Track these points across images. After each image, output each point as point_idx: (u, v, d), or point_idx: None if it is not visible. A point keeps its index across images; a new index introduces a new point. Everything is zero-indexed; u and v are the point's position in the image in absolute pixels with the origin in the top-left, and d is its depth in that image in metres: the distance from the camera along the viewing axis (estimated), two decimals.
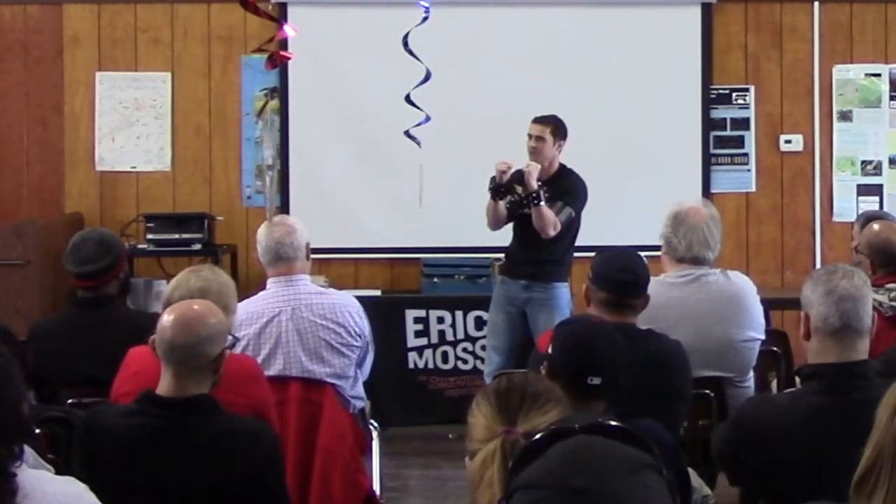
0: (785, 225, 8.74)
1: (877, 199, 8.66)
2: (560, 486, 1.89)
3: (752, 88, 8.70)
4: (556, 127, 7.11)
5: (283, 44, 5.23)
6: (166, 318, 3.57)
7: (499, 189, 7.04)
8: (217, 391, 3.61)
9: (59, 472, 3.03)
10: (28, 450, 2.69)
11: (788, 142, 8.72)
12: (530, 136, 7.08)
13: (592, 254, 4.49)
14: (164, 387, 3.55)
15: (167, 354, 3.54)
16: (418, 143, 5.54)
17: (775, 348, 5.23)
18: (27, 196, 8.61)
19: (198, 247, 8.13)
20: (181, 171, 8.63)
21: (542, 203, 6.90)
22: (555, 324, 7.04)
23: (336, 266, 8.49)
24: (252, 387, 4.13)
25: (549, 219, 6.91)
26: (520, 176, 7.03)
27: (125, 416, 3.57)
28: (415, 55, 5.21)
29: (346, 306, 4.99)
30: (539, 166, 6.97)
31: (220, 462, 3.48)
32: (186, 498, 3.46)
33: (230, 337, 3.75)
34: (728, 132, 8.71)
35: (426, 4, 5.21)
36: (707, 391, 4.52)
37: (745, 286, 4.80)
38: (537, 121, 7.13)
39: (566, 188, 7.09)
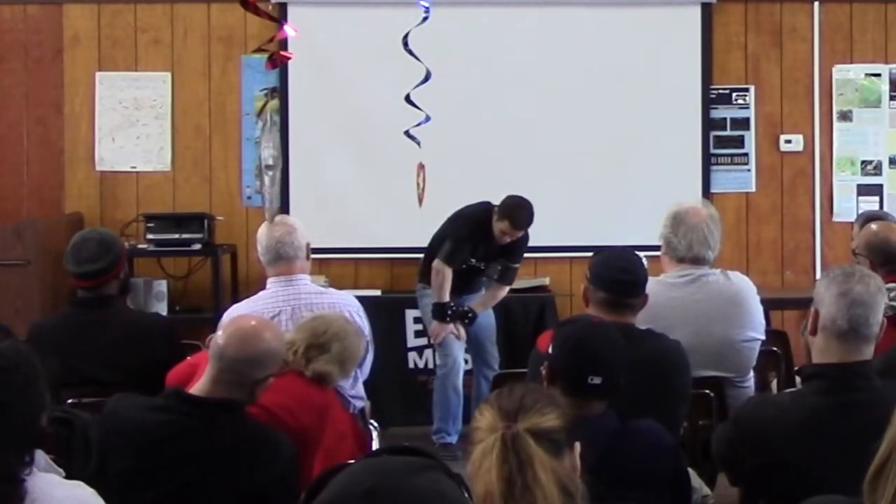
0: (785, 225, 8.74)
1: (877, 199, 8.65)
2: (350, 494, 2.00)
3: (752, 88, 8.70)
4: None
5: (283, 44, 5.22)
6: (235, 326, 3.63)
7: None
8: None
9: None
10: (39, 453, 2.69)
11: (788, 142, 8.71)
12: (504, 232, 7.32)
13: (590, 254, 4.48)
14: (199, 385, 3.58)
15: (216, 359, 3.58)
16: (418, 143, 5.54)
17: (775, 348, 5.23)
18: (27, 196, 8.60)
19: (198, 247, 8.13)
20: (181, 171, 8.62)
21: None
22: (492, 318, 7.54)
23: (336, 266, 8.49)
24: (300, 413, 4.12)
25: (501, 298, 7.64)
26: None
27: (149, 410, 3.59)
28: (415, 55, 5.20)
29: (347, 306, 4.98)
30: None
31: (237, 467, 3.48)
32: (198, 497, 3.46)
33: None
34: (728, 132, 8.71)
35: (426, 4, 5.19)
36: (707, 391, 4.52)
37: (745, 286, 4.79)
38: (518, 226, 7.31)
39: (519, 244, 7.46)
